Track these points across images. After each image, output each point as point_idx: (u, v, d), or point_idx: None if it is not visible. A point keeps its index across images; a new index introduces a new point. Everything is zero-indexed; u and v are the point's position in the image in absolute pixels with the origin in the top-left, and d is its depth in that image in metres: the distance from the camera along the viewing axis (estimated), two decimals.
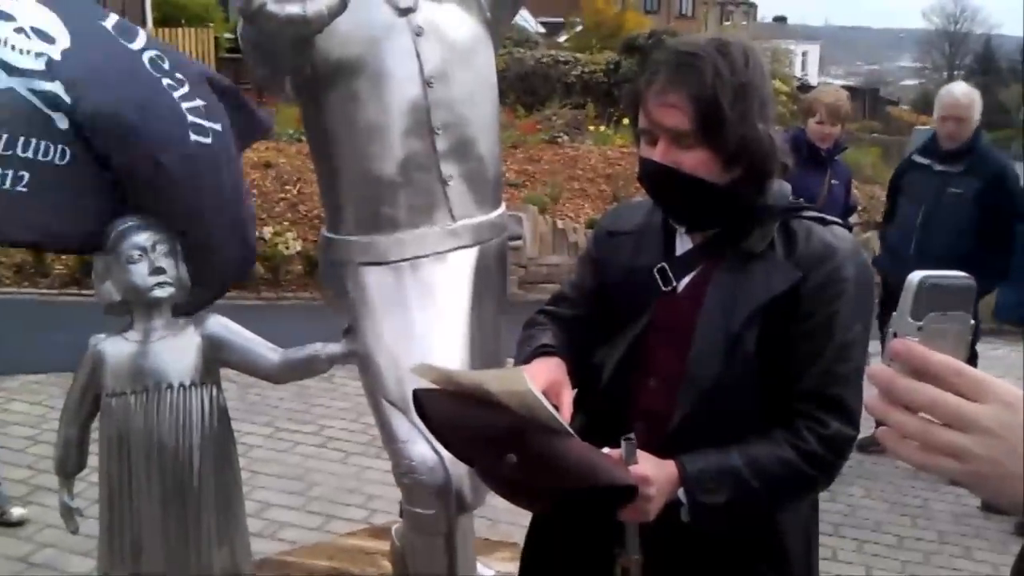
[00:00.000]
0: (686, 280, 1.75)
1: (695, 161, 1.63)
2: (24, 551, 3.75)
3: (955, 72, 49.10)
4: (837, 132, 4.89)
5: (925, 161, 4.92)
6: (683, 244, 1.78)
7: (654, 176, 1.68)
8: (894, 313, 0.85)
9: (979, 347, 4.99)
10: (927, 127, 10.75)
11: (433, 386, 1.70)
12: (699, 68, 1.60)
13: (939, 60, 59.53)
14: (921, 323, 0.83)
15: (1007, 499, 0.80)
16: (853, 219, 6.25)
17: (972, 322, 0.85)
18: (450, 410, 1.65)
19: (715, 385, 1.66)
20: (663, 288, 1.75)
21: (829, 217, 1.76)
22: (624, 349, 1.77)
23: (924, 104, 31.23)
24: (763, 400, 1.66)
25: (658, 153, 1.65)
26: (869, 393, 0.85)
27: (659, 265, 1.75)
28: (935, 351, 0.81)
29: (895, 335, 0.84)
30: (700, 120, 1.60)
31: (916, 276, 0.84)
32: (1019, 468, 0.77)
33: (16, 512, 3.99)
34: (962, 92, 4.88)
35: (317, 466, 4.76)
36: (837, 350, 1.64)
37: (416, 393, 1.70)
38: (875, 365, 0.84)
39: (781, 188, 1.74)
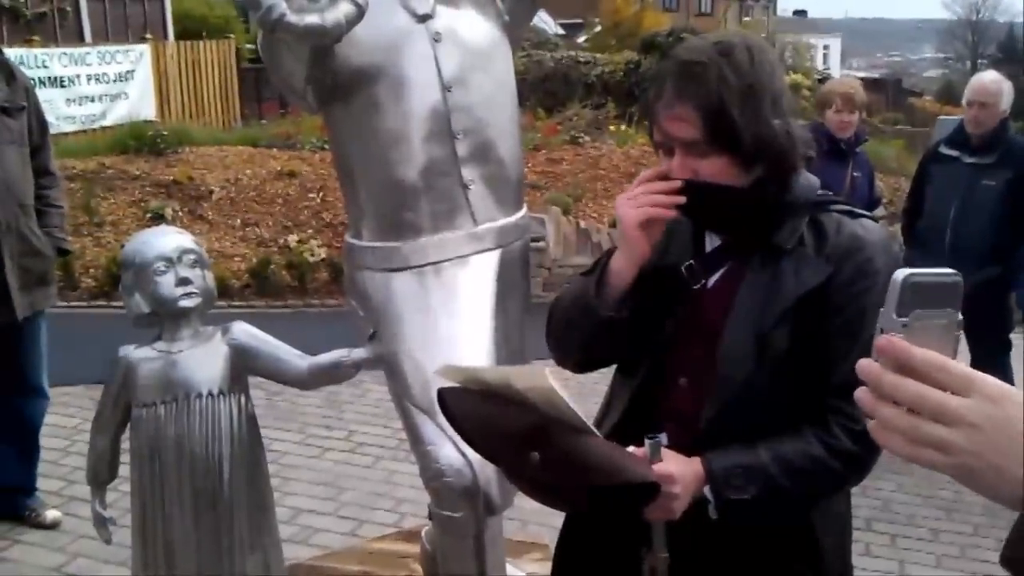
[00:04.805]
0: (715, 277, 1.74)
1: (713, 168, 1.63)
2: (58, 561, 3.79)
3: (979, 62, 48.51)
4: (855, 120, 4.86)
5: (954, 153, 4.84)
6: (712, 241, 1.77)
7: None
8: (881, 310, 0.87)
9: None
10: (950, 117, 10.64)
11: (457, 385, 1.70)
12: (702, 76, 1.59)
13: (962, 50, 58.86)
14: (906, 320, 0.85)
15: (993, 492, 0.81)
16: (879, 212, 6.19)
17: (960, 318, 0.87)
18: (474, 408, 1.65)
19: (746, 384, 1.65)
20: (692, 286, 1.74)
21: (858, 210, 1.74)
22: (653, 348, 1.76)
23: (948, 95, 30.84)
24: (795, 397, 1.65)
25: (675, 164, 1.65)
26: (860, 388, 0.88)
27: (687, 263, 1.75)
28: (920, 347, 0.83)
29: (882, 331, 0.86)
30: (710, 128, 1.60)
31: (900, 274, 0.86)
32: (1002, 461, 0.79)
33: (50, 515, 4.04)
34: (991, 79, 4.86)
35: (347, 471, 4.78)
36: (869, 344, 1.62)
37: (441, 392, 1.70)
38: (863, 360, 0.87)
39: (809, 182, 1.73)
